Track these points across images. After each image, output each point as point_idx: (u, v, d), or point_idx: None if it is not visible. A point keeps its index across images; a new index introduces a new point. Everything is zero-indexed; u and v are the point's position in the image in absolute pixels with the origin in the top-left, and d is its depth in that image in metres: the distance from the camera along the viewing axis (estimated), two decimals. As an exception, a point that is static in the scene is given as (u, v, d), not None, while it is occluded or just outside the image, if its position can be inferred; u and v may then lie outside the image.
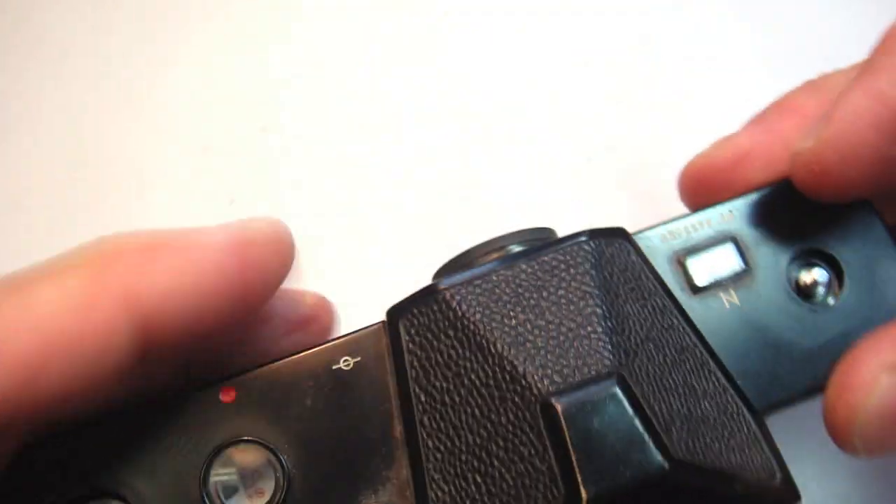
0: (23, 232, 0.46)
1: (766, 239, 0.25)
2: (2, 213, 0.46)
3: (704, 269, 0.24)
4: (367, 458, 0.21)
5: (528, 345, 0.21)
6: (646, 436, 0.19)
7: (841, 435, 0.23)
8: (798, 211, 0.25)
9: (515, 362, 0.21)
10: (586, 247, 0.22)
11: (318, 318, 0.25)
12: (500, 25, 0.49)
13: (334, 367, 0.22)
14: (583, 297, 0.21)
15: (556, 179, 0.45)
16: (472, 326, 0.21)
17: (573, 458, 0.19)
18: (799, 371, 0.23)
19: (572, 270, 0.22)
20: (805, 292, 0.24)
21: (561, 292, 0.21)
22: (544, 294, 0.21)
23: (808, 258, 0.25)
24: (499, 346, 0.21)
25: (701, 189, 0.28)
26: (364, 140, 0.47)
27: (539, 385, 0.20)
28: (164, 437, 0.21)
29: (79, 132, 0.48)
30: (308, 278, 0.44)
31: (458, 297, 0.21)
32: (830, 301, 0.24)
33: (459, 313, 0.21)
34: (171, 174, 0.47)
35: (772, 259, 0.24)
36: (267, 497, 0.21)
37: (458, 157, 0.46)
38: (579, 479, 0.19)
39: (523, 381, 0.20)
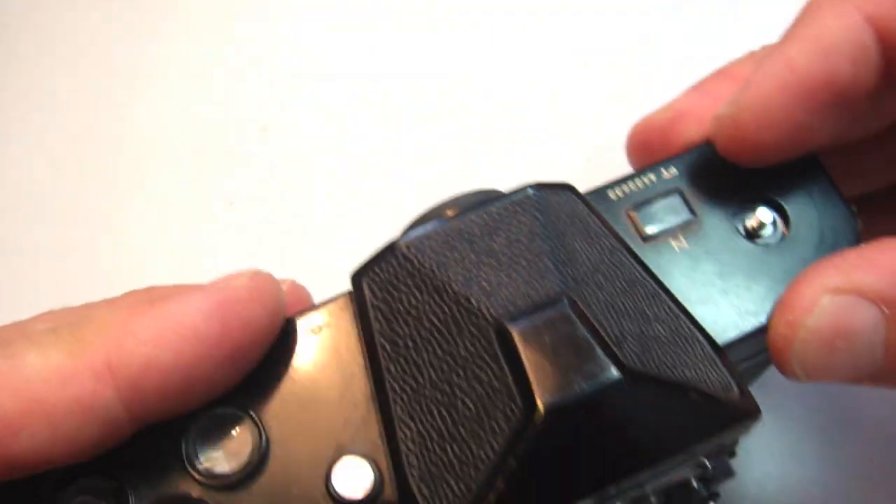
0: (22, 232, 0.46)
1: (711, 189, 0.26)
2: (2, 213, 0.47)
3: (653, 219, 0.25)
4: (339, 415, 0.22)
5: (482, 281, 0.22)
6: (598, 349, 0.20)
7: (780, 356, 0.23)
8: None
9: (470, 296, 0.21)
10: (532, 196, 0.23)
11: (292, 304, 0.25)
12: (500, 25, 0.49)
13: (305, 335, 0.23)
14: (531, 238, 0.22)
15: (556, 179, 0.45)
16: (428, 273, 0.22)
17: (528, 374, 0.20)
18: (751, 304, 0.24)
19: (520, 216, 0.23)
20: (753, 233, 0.25)
21: (511, 235, 0.23)
22: (495, 238, 0.23)
23: (753, 203, 0.26)
24: (454, 285, 0.22)
25: (643, 149, 0.29)
26: (364, 140, 0.47)
27: (493, 313, 0.21)
28: None
29: (77, 134, 0.49)
30: (308, 278, 0.44)
31: (414, 250, 0.23)
32: (778, 239, 0.25)
33: (416, 263, 0.22)
34: (171, 175, 0.47)
35: (718, 207, 0.25)
36: (245, 458, 0.22)
37: (458, 157, 0.46)
38: (535, 393, 0.19)
39: (478, 312, 0.21)
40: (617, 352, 0.20)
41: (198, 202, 0.46)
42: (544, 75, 0.47)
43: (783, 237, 0.25)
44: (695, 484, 0.25)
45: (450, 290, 0.22)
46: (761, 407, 0.38)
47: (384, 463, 0.22)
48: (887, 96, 0.26)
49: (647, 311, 0.22)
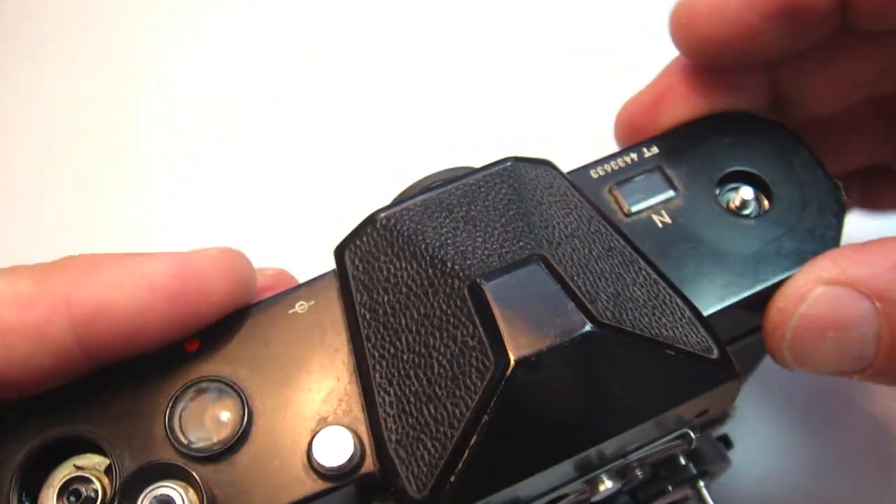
0: (22, 232, 0.46)
1: (692, 166, 0.26)
2: (2, 213, 0.47)
3: (635, 195, 0.25)
4: (322, 389, 0.23)
5: (458, 244, 0.22)
6: (569, 302, 0.20)
7: (771, 341, 0.23)
8: (722, 139, 0.26)
9: (445, 258, 0.22)
10: (510, 167, 0.24)
11: (277, 287, 0.26)
12: (499, 25, 0.49)
13: (290, 312, 0.24)
14: (507, 204, 0.23)
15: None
16: (406, 239, 0.22)
17: (500, 328, 0.20)
18: (735, 276, 0.24)
19: (497, 185, 0.23)
20: (734, 207, 0.25)
21: (488, 203, 0.23)
22: (472, 206, 0.23)
23: (734, 178, 0.26)
24: (429, 249, 0.22)
25: (630, 133, 0.29)
26: (364, 140, 0.47)
27: (466, 271, 0.21)
28: (131, 385, 0.22)
29: (79, 134, 0.49)
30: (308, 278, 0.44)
31: (392, 220, 0.23)
32: (760, 211, 0.25)
33: (395, 232, 0.23)
34: (171, 174, 0.47)
35: (699, 182, 0.26)
36: (230, 430, 0.22)
37: (456, 159, 0.46)
38: (507, 345, 0.19)
39: (451, 271, 0.21)
40: (590, 307, 0.20)
41: (199, 200, 0.46)
42: (543, 75, 0.47)
43: (764, 209, 0.25)
44: (682, 460, 0.25)
45: (426, 255, 0.22)
46: (760, 404, 0.37)
47: (366, 433, 0.22)
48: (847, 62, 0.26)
49: (625, 276, 0.22)
